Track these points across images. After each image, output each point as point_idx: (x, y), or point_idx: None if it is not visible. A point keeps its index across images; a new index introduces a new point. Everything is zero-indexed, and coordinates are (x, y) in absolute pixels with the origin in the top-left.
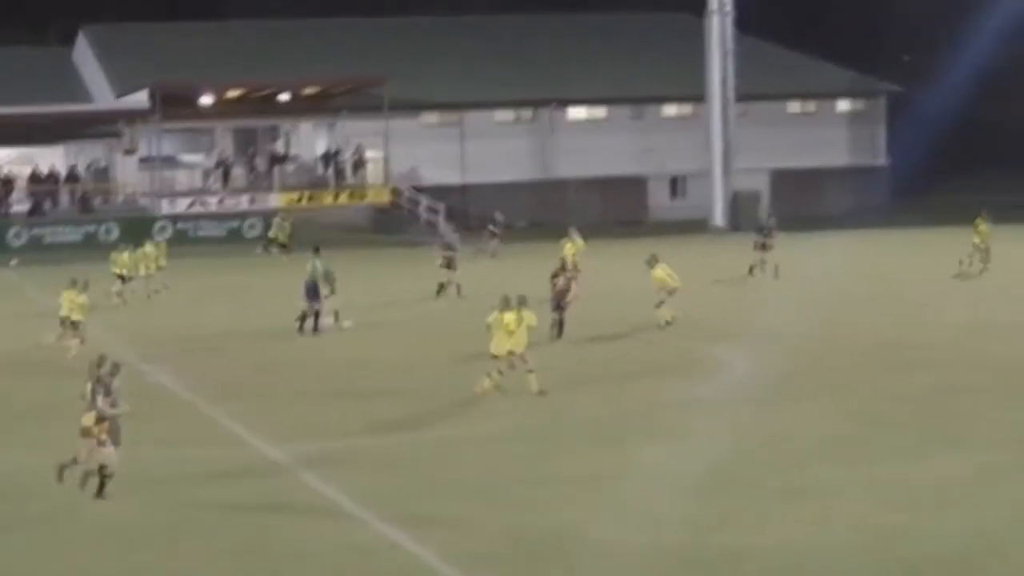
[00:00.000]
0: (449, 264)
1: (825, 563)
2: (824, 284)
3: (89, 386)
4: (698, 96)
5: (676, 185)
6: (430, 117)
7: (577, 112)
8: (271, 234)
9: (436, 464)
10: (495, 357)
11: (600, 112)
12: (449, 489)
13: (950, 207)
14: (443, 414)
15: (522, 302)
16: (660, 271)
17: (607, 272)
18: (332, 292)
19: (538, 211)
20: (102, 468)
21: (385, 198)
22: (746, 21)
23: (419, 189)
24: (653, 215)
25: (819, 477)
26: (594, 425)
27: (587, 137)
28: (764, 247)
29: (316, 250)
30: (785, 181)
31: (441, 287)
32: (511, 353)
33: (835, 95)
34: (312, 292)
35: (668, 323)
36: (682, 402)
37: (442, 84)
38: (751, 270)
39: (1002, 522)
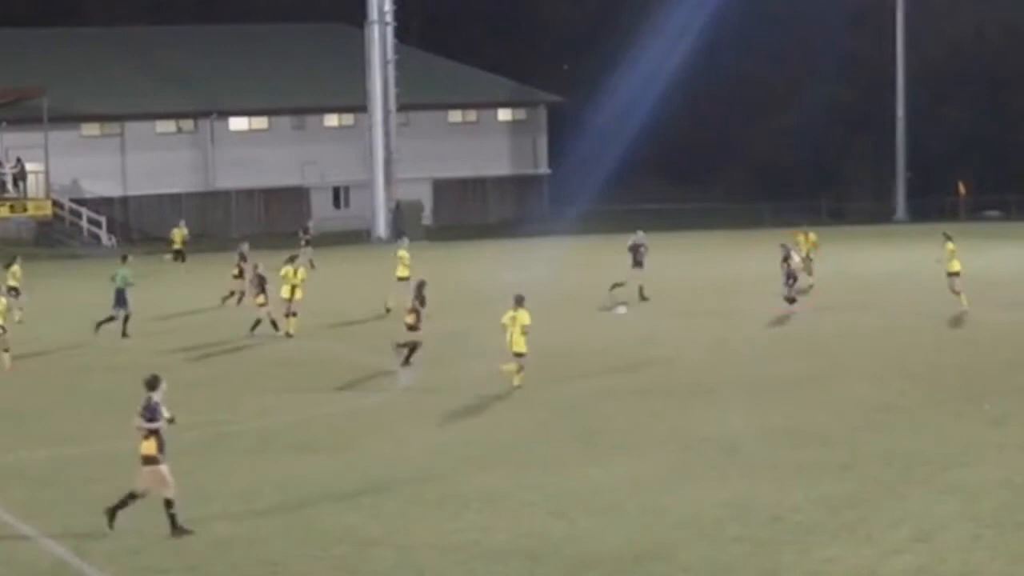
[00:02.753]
0: (242, 274)
1: (490, 569)
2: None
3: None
4: (360, 106)
5: (339, 195)
6: (91, 128)
7: (238, 123)
8: None
9: (94, 479)
10: (520, 355)
11: (261, 123)
12: (110, 504)
13: (610, 215)
14: (102, 429)
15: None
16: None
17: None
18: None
19: (201, 223)
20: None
21: (47, 211)
22: (406, 32)
23: (80, 201)
24: (317, 225)
25: (481, 485)
26: (254, 438)
27: (249, 148)
28: None
29: (124, 258)
30: (448, 190)
31: (232, 295)
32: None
33: (496, 104)
34: (119, 298)
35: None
36: (345, 413)
37: (102, 95)
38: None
39: (668, 524)
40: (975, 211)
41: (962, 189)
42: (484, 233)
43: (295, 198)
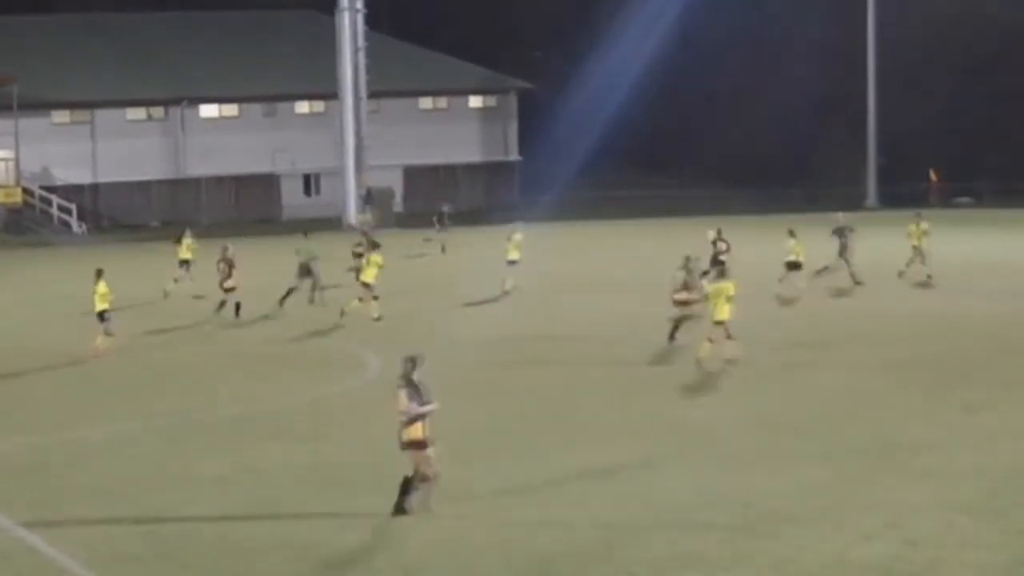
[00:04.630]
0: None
1: (466, 559)
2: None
3: (407, 392)
4: (330, 93)
5: (310, 182)
6: (61, 116)
7: (209, 110)
8: None
9: (67, 467)
10: (717, 324)
11: (232, 110)
12: (83, 492)
13: (580, 202)
14: (70, 417)
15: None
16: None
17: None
18: None
19: (171, 210)
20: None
21: (17, 198)
22: (377, 18)
23: (51, 189)
24: (287, 213)
25: (455, 474)
26: (230, 425)
27: (219, 135)
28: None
29: (305, 234)
30: (418, 177)
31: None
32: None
33: (466, 91)
34: (304, 271)
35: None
36: (321, 400)
37: (73, 82)
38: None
39: (640, 512)
40: (946, 198)
41: (933, 176)
42: (455, 220)
43: (265, 185)
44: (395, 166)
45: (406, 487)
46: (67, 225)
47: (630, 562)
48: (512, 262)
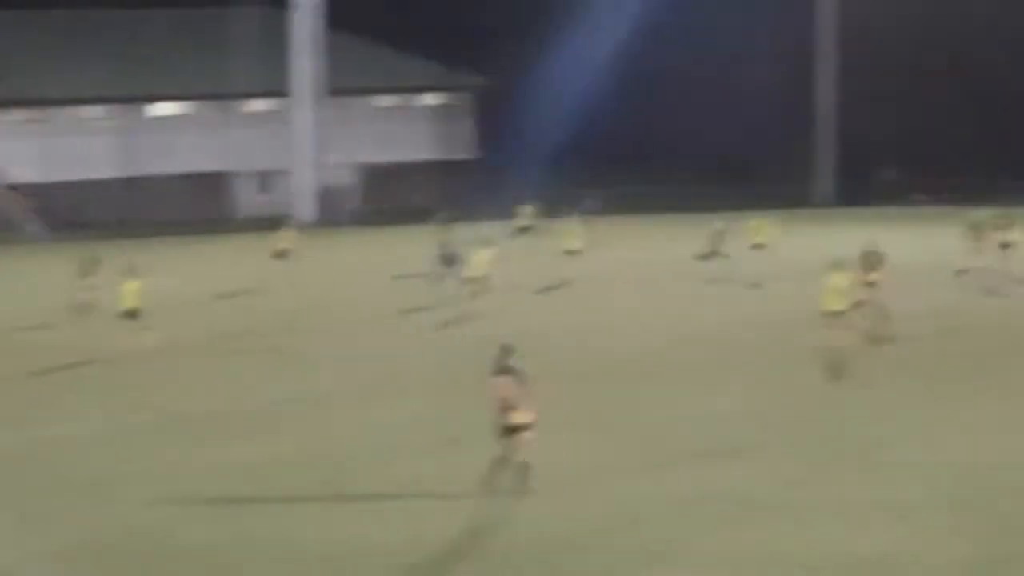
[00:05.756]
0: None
1: (428, 557)
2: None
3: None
4: (285, 91)
5: (264, 181)
6: (15, 114)
7: (162, 108)
8: None
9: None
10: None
11: (186, 108)
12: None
13: (537, 200)
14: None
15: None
16: None
17: (196, 269)
18: None
19: (124, 208)
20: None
21: None
22: (332, 15)
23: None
24: (242, 211)
25: (414, 472)
26: (195, 422)
27: (173, 133)
28: None
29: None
30: (374, 175)
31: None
32: None
33: (423, 89)
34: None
35: None
36: (287, 400)
37: (27, 80)
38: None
39: (604, 509)
40: (902, 196)
41: (889, 173)
42: (412, 218)
43: (219, 184)
44: (351, 164)
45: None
46: (22, 223)
47: (595, 560)
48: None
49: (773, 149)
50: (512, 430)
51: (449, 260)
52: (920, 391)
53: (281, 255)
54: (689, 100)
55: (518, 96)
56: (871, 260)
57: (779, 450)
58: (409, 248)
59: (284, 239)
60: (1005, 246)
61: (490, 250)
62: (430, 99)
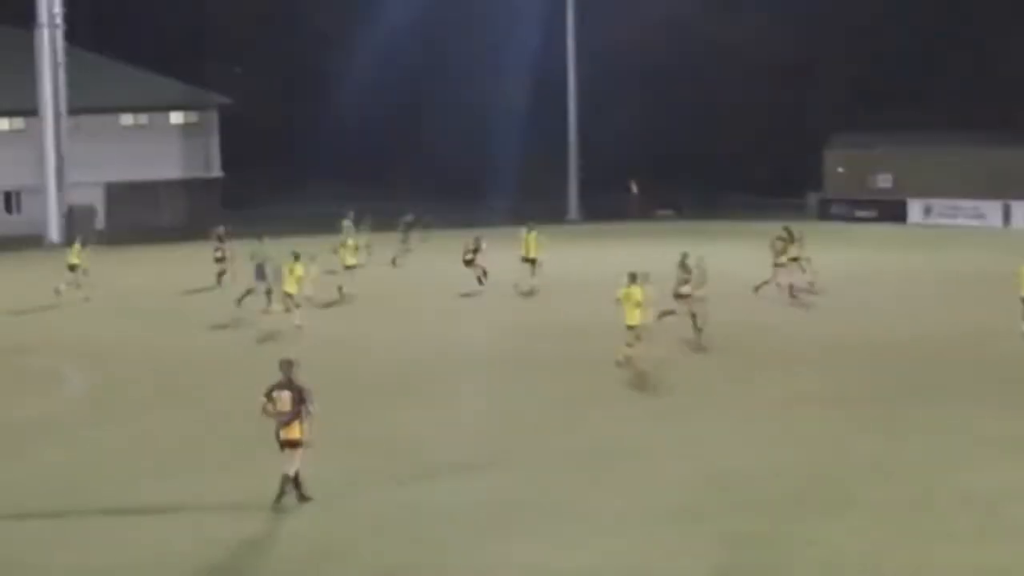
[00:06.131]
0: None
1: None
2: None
3: (288, 394)
4: (30, 110)
5: (10, 200)
6: None
7: None
8: None
9: None
10: (630, 328)
11: None
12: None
13: (283, 218)
14: None
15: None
16: None
17: None
18: None
19: None
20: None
21: None
22: (77, 34)
23: None
24: None
25: (160, 491)
26: None
27: None
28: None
29: (260, 237)
30: (120, 194)
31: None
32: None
33: (168, 107)
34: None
35: None
36: (24, 420)
37: None
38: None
39: (347, 524)
40: (647, 210)
41: (634, 188)
42: (158, 237)
43: None
44: (96, 183)
45: (290, 483)
46: None
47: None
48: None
49: (525, 168)
50: (289, 444)
51: (260, 273)
52: (685, 403)
53: (72, 270)
54: (433, 116)
55: (262, 115)
56: (689, 272)
57: (531, 462)
58: (153, 267)
59: (74, 255)
60: (793, 260)
61: (311, 266)
62: (176, 118)
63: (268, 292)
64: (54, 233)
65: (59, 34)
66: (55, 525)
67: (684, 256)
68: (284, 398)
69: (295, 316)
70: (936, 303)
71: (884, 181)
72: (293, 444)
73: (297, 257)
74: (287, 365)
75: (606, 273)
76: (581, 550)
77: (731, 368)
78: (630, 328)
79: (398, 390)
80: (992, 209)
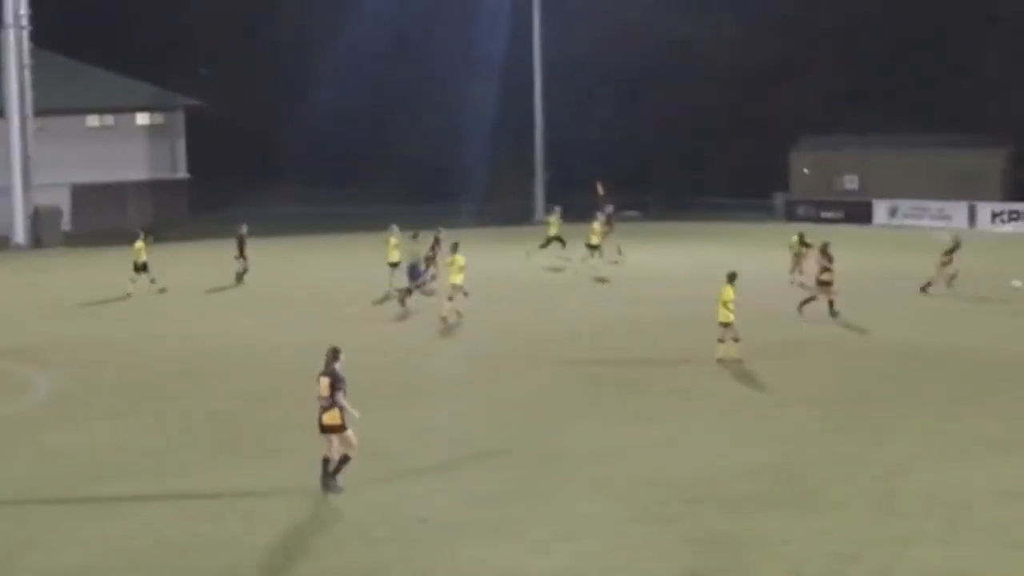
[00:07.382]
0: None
1: None
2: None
3: (327, 380)
4: None
5: None
6: None
7: None
8: None
9: None
10: (724, 325)
11: None
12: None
13: (252, 220)
14: None
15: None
16: None
17: None
18: None
19: None
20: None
21: None
22: (43, 35)
23: None
24: None
25: (124, 492)
26: None
27: None
28: None
29: (414, 236)
30: (86, 196)
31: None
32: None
33: (134, 109)
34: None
35: None
36: None
37: None
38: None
39: (314, 527)
40: (614, 211)
41: (600, 189)
42: (124, 239)
43: None
44: (62, 184)
45: (329, 467)
46: None
47: None
48: (592, 247)
49: (494, 169)
50: (327, 429)
51: (413, 273)
52: (660, 404)
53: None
54: (402, 118)
55: (229, 117)
56: (831, 260)
57: (505, 464)
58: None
59: (139, 252)
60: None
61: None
62: (142, 119)
63: (409, 291)
64: (20, 235)
65: (25, 35)
66: (20, 526)
67: (826, 244)
68: (324, 384)
69: (458, 304)
70: (904, 304)
71: (850, 182)
72: (331, 429)
73: (456, 248)
74: (330, 353)
75: (575, 276)
76: (555, 552)
77: (704, 369)
78: (724, 326)
79: (373, 392)
80: (958, 210)
